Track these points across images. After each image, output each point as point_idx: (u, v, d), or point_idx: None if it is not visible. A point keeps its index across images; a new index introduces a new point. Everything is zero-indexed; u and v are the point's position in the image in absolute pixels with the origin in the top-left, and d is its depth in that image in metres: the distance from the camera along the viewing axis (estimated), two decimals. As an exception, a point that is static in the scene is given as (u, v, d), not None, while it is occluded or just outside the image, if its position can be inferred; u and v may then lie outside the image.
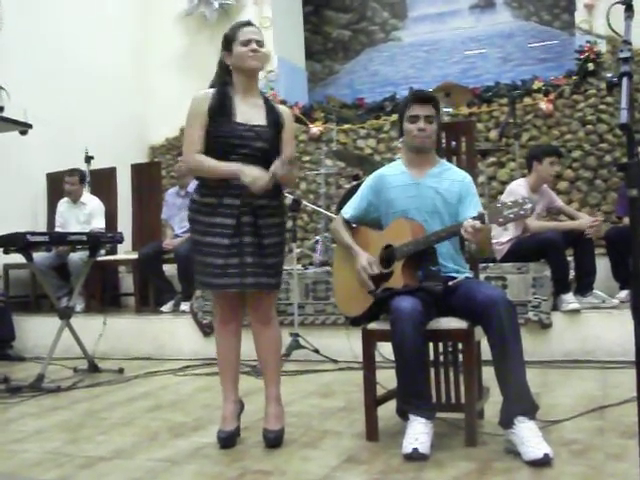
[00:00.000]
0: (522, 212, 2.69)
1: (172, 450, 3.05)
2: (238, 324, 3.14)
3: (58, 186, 6.84)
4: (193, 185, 6.31)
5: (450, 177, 3.11)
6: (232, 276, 2.94)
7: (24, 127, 5.13)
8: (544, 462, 2.57)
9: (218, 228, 2.94)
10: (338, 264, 3.32)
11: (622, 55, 1.74)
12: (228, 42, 3.03)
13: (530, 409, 2.76)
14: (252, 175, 2.86)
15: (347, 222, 3.25)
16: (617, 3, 1.85)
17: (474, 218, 2.75)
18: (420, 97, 3.09)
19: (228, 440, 3.04)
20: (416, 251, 2.93)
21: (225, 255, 2.93)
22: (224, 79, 3.06)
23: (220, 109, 2.96)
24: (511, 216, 2.70)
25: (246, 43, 2.98)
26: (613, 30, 1.94)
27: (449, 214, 3.06)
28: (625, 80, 1.70)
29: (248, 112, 3.00)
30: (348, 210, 3.26)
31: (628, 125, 1.64)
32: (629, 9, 1.84)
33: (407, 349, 2.79)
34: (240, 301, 3.10)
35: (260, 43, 3.01)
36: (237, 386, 3.18)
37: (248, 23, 3.10)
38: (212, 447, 3.05)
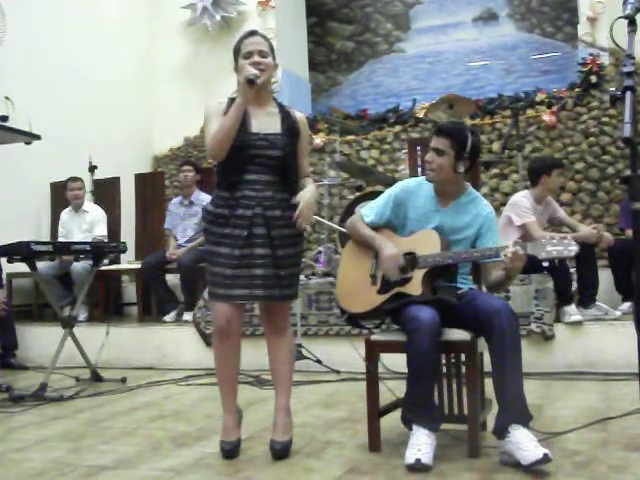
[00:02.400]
0: (566, 252, 2.69)
1: (175, 460, 3.04)
2: (237, 338, 3.10)
3: (62, 195, 6.86)
4: (197, 195, 6.40)
5: (474, 210, 3.08)
6: (241, 287, 2.93)
7: (33, 138, 5.16)
8: (544, 461, 2.57)
9: (230, 239, 2.94)
10: (348, 259, 3.26)
11: (625, 69, 1.76)
12: (235, 54, 3.04)
13: (524, 418, 2.76)
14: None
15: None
16: (620, 18, 1.87)
17: (518, 244, 2.75)
18: (435, 129, 3.10)
19: (232, 451, 3.03)
20: (442, 264, 2.93)
21: (235, 266, 2.92)
22: None
23: None
24: (554, 253, 2.70)
25: (247, 55, 2.97)
26: (616, 44, 1.96)
27: (464, 247, 3.05)
28: (628, 94, 1.72)
29: (262, 121, 3.00)
30: (369, 213, 3.20)
31: (631, 139, 1.66)
32: (632, 23, 1.86)
33: (422, 359, 2.79)
34: (240, 315, 3.08)
35: (263, 53, 2.98)
36: (236, 396, 3.16)
37: (252, 33, 3.06)
38: (215, 457, 3.05)
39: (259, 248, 2.93)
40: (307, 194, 2.99)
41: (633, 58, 1.77)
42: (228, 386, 3.12)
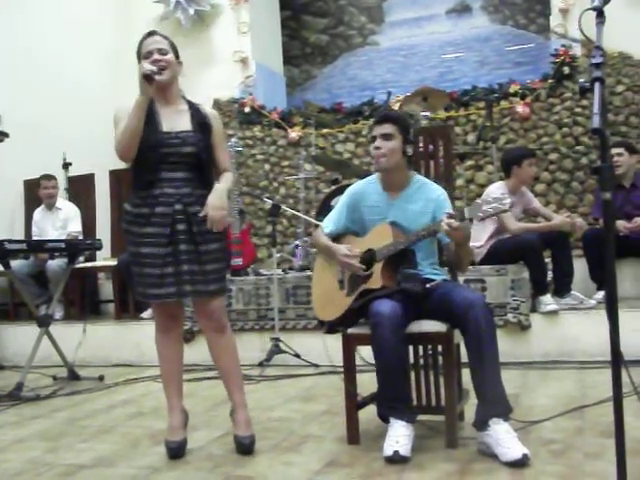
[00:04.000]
0: (501, 206, 2.74)
1: (154, 457, 3.04)
2: (178, 333, 3.13)
3: (36, 193, 6.80)
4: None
5: (424, 196, 3.10)
6: (169, 285, 2.92)
7: (1, 136, 5.09)
8: (522, 463, 2.59)
9: (153, 238, 2.92)
10: (318, 271, 3.33)
11: (594, 61, 1.77)
12: (138, 57, 3.02)
13: (504, 411, 2.79)
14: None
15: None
16: (589, 9, 1.88)
17: (451, 215, 2.77)
18: (378, 118, 3.13)
19: (179, 450, 3.03)
20: (396, 252, 2.95)
21: (161, 265, 2.91)
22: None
23: (145, 120, 2.91)
24: (490, 211, 2.74)
25: (147, 55, 2.96)
26: (585, 36, 1.97)
27: None
28: (597, 85, 1.73)
29: (173, 119, 2.99)
30: (328, 224, 3.28)
31: (601, 130, 1.67)
32: (600, 15, 1.87)
33: (387, 353, 2.81)
34: (179, 310, 3.10)
35: (163, 51, 2.97)
36: (182, 395, 3.16)
37: (150, 34, 3.05)
38: (193, 453, 3.05)
39: (183, 244, 2.92)
40: (212, 197, 2.94)
41: (602, 49, 1.78)
42: (172, 384, 3.13)
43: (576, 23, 1.98)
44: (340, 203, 3.28)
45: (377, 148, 3.04)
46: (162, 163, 2.93)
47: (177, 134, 2.96)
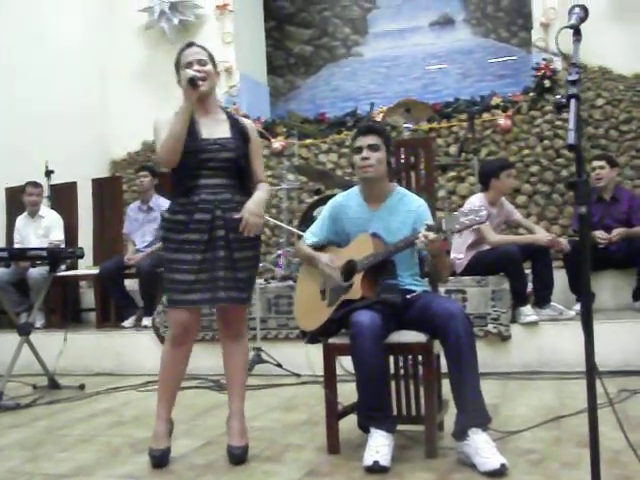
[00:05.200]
0: (477, 218, 2.76)
1: (134, 466, 3.04)
2: (188, 349, 3.12)
3: (17, 201, 6.77)
4: (155, 200, 6.37)
5: (405, 207, 3.13)
6: (203, 291, 2.95)
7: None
8: (500, 473, 2.62)
9: (190, 244, 2.95)
10: (300, 282, 3.35)
11: (570, 78, 1.81)
12: (176, 68, 3.08)
13: (483, 421, 2.82)
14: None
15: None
16: (565, 27, 1.92)
17: (429, 227, 2.81)
18: (362, 129, 3.17)
19: (162, 458, 3.03)
20: (375, 263, 2.97)
21: (197, 271, 2.93)
22: None
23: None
24: (467, 222, 2.77)
25: (187, 66, 3.01)
26: (562, 53, 2.02)
27: None
28: (573, 102, 1.77)
29: (211, 128, 3.04)
30: (309, 236, 3.31)
31: (576, 145, 1.71)
32: (577, 33, 1.91)
33: (367, 363, 2.83)
34: (196, 322, 3.10)
35: (202, 62, 3.02)
36: (172, 406, 3.15)
37: (189, 45, 3.12)
38: (175, 462, 3.04)
39: (220, 250, 2.95)
40: (251, 203, 2.99)
41: (577, 67, 1.82)
42: (168, 393, 3.12)
43: (558, 37, 2.01)
44: (322, 215, 3.31)
45: (365, 159, 3.06)
46: (201, 169, 2.97)
47: (216, 140, 3.00)
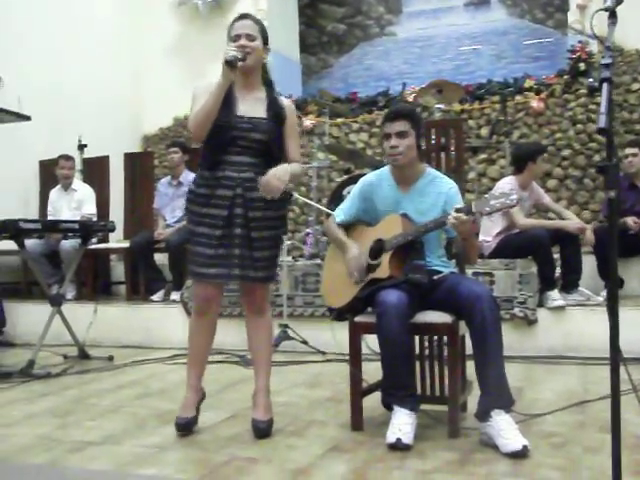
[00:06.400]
0: (508, 202, 2.76)
1: (160, 437, 3.09)
2: (213, 318, 3.15)
3: (51, 174, 6.86)
4: (186, 175, 6.42)
5: (435, 189, 3.11)
6: (220, 267, 2.98)
7: (22, 119, 5.13)
8: (522, 454, 2.63)
9: (210, 219, 2.98)
10: (329, 259, 3.37)
11: (604, 61, 1.79)
12: (228, 36, 3.06)
13: (507, 403, 2.83)
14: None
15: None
16: (601, 10, 1.90)
17: (459, 209, 2.81)
18: (390, 115, 3.11)
19: (186, 426, 3.08)
20: (404, 242, 2.98)
21: (215, 246, 2.97)
22: None
23: (222, 101, 2.94)
24: (497, 205, 2.77)
25: (235, 39, 2.98)
26: (597, 37, 2.00)
27: None
28: (605, 85, 1.75)
29: (248, 105, 3.03)
30: (339, 213, 3.31)
31: (607, 129, 1.70)
32: (612, 16, 1.89)
33: (392, 342, 2.85)
34: (219, 295, 3.15)
35: (251, 37, 2.99)
36: (202, 377, 3.20)
37: (242, 16, 3.08)
38: (199, 434, 3.10)
39: (238, 228, 2.97)
40: (276, 169, 2.95)
41: (611, 50, 1.80)
42: (197, 363, 3.17)
43: (594, 20, 1.99)
44: (352, 193, 3.31)
45: (394, 147, 3.04)
46: (230, 146, 2.98)
47: (250, 119, 3.00)
